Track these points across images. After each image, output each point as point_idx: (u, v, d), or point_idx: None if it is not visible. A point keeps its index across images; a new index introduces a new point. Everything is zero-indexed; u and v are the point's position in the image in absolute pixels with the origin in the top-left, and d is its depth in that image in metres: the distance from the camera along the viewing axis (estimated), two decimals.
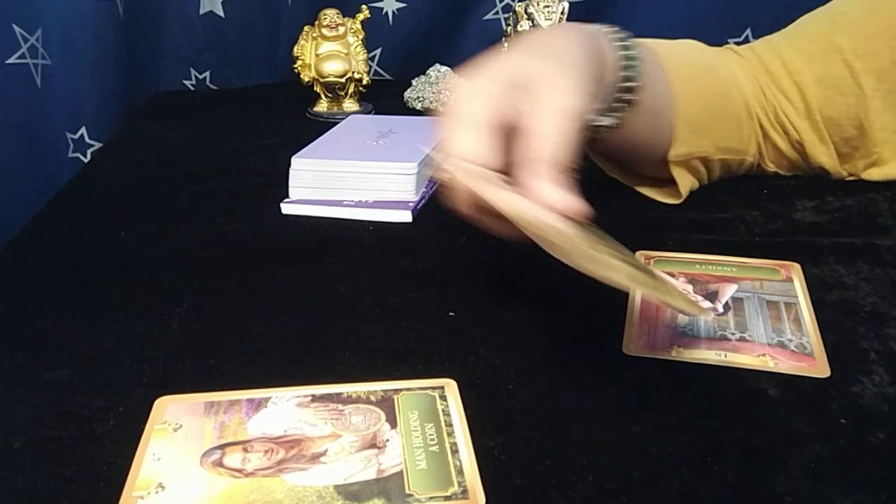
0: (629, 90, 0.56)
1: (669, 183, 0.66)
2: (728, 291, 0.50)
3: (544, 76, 0.44)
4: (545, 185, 0.41)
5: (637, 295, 0.50)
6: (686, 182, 0.65)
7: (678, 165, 0.64)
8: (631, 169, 0.68)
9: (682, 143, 0.63)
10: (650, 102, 0.59)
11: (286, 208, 0.66)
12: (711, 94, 0.65)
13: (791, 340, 0.45)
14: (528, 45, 0.49)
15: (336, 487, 0.35)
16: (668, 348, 0.45)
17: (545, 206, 0.40)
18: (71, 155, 0.99)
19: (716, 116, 0.65)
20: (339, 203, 0.65)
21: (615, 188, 0.70)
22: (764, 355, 0.44)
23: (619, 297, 0.51)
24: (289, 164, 0.67)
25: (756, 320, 0.47)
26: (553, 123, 0.42)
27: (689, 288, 0.51)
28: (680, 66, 0.63)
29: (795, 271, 0.52)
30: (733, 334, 0.46)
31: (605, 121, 0.56)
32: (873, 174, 0.67)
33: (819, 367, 0.43)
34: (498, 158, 0.43)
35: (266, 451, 0.37)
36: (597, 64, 0.50)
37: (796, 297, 0.50)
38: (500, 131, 0.43)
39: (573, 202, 0.40)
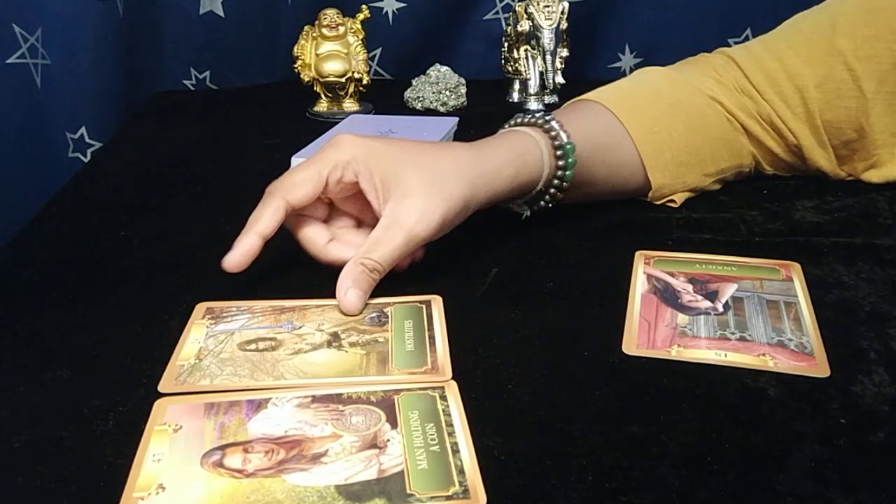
0: (563, 186, 0.58)
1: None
2: (728, 291, 0.50)
3: (412, 192, 0.50)
4: (350, 288, 0.49)
5: (637, 295, 0.50)
6: (680, 198, 0.66)
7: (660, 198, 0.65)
8: None
9: (662, 188, 0.64)
10: (600, 175, 0.62)
11: None
12: (683, 132, 0.64)
13: (791, 340, 0.45)
14: (416, 149, 0.53)
15: (337, 488, 0.35)
16: (668, 347, 0.45)
17: (339, 300, 0.49)
18: (71, 155, 0.99)
19: (694, 151, 0.65)
20: None
21: None
22: (764, 355, 0.44)
23: (619, 298, 0.51)
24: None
25: (756, 320, 0.47)
26: (394, 241, 0.49)
27: (689, 287, 0.51)
28: (640, 116, 0.64)
29: (795, 271, 0.52)
30: (733, 334, 0.46)
31: (527, 210, 0.60)
32: (872, 176, 0.67)
33: (819, 367, 0.43)
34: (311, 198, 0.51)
35: (267, 452, 0.37)
36: (504, 175, 0.54)
37: (796, 296, 0.50)
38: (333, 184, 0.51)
39: (356, 308, 0.49)
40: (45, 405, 0.42)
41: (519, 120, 0.60)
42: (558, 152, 0.57)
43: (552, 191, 0.58)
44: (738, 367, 0.43)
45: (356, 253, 0.50)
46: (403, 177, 0.50)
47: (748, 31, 1.11)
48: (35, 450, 0.38)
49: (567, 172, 0.57)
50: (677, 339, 0.46)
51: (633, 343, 0.46)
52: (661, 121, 0.64)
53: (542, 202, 0.59)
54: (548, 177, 0.57)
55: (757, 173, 0.70)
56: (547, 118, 0.58)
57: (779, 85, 0.66)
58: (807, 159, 0.67)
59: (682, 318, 0.48)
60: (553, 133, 0.57)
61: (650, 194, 0.64)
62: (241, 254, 0.50)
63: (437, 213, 0.49)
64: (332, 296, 0.50)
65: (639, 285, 0.52)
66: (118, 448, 0.38)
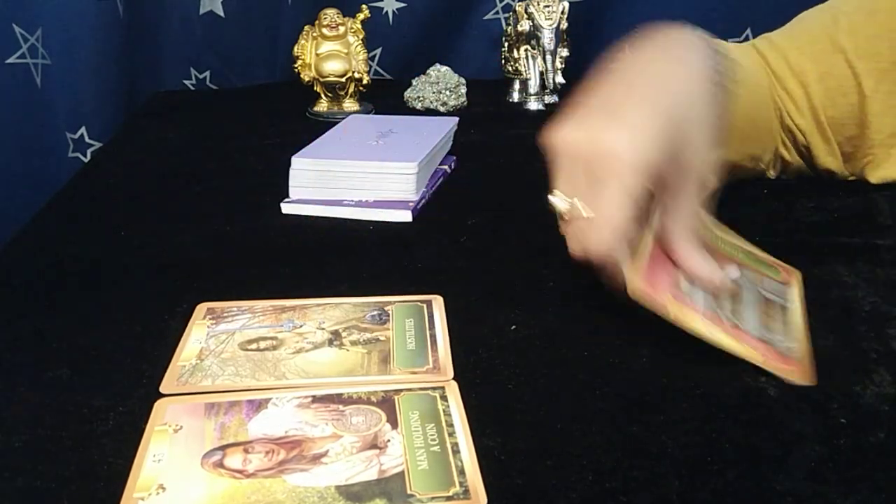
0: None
1: None
2: (729, 273, 0.49)
3: (691, 153, 0.44)
4: (694, 256, 0.44)
5: (649, 236, 0.46)
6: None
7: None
8: None
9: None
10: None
11: (286, 208, 0.66)
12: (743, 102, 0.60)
13: (781, 341, 0.45)
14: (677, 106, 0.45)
15: (337, 488, 0.35)
16: (666, 294, 0.43)
17: (691, 273, 0.44)
18: (71, 155, 0.99)
19: (743, 125, 0.63)
20: (339, 203, 0.65)
21: None
22: (754, 348, 0.44)
23: (618, 299, 0.51)
24: (289, 164, 0.67)
25: (750, 311, 0.47)
26: (694, 207, 0.45)
27: None
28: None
29: (796, 277, 0.52)
30: (727, 318, 0.45)
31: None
32: (869, 176, 0.67)
33: (803, 374, 0.43)
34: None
35: (267, 452, 0.37)
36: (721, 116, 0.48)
37: (793, 302, 0.49)
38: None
39: (715, 273, 0.44)
40: (45, 405, 0.42)
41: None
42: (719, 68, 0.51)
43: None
44: (727, 355, 0.43)
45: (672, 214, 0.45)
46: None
47: (748, 31, 1.11)
48: (35, 450, 0.38)
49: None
50: (676, 292, 0.44)
51: (639, 278, 0.42)
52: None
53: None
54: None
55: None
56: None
57: (784, 81, 0.66)
58: (814, 157, 0.67)
59: (683, 284, 0.46)
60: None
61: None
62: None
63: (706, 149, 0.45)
64: (331, 294, 0.50)
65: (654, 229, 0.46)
66: (118, 448, 0.38)
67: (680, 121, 0.43)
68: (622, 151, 0.41)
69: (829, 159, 0.67)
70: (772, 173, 0.70)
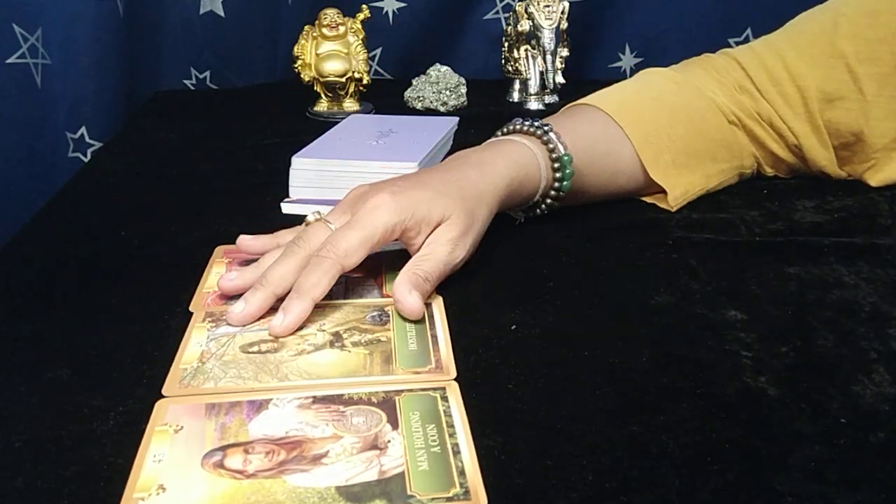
0: (559, 196, 0.60)
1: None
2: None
3: (450, 214, 0.52)
4: (413, 291, 0.49)
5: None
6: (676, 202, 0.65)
7: (679, 200, 0.65)
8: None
9: (675, 187, 0.64)
10: (599, 182, 0.63)
11: (286, 208, 0.66)
12: (682, 135, 0.65)
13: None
14: (447, 176, 0.55)
15: (337, 489, 0.35)
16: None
17: (401, 303, 0.49)
18: (71, 155, 0.99)
19: (696, 151, 0.65)
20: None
21: None
22: None
23: (618, 298, 0.51)
24: (289, 164, 0.67)
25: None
26: (440, 251, 0.51)
27: None
28: (640, 123, 0.64)
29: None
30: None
31: (523, 216, 0.63)
32: (871, 178, 0.67)
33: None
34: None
35: (267, 453, 0.37)
36: (511, 192, 0.57)
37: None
38: (379, 246, 0.51)
39: (419, 311, 0.49)
40: (45, 405, 0.42)
41: (515, 127, 0.60)
42: (555, 164, 0.59)
43: (548, 201, 0.61)
44: (726, 355, 0.43)
45: (406, 265, 0.51)
46: (442, 221, 0.52)
47: (748, 32, 1.11)
48: (35, 450, 0.38)
49: (564, 183, 0.59)
50: None
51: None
52: (661, 124, 0.65)
53: (538, 210, 0.62)
54: (545, 188, 0.60)
55: (758, 174, 0.70)
56: (545, 128, 0.59)
57: (780, 84, 0.66)
58: (808, 159, 0.67)
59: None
60: (551, 145, 0.59)
61: (670, 198, 0.64)
62: (295, 322, 0.47)
63: (471, 238, 0.53)
64: (330, 296, 0.50)
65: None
66: (118, 448, 0.38)
67: (446, 210, 0.52)
68: (384, 208, 0.50)
69: (823, 161, 0.67)
70: (768, 171, 0.70)
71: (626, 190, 0.66)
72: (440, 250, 0.51)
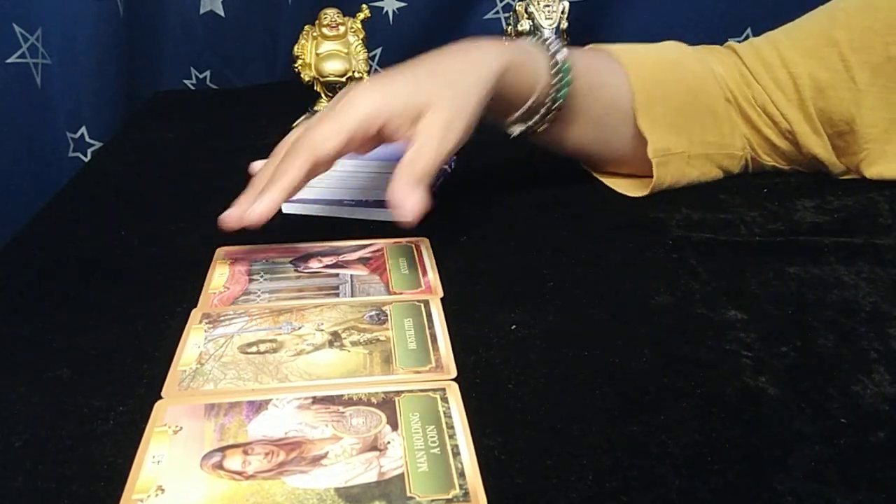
0: (554, 106, 0.60)
1: (638, 176, 0.67)
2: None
3: (434, 101, 0.51)
4: (403, 192, 0.49)
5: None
6: (663, 178, 0.66)
7: (658, 164, 0.65)
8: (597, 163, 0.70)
9: (658, 140, 0.65)
10: (592, 112, 0.63)
11: (286, 208, 0.66)
12: (679, 92, 0.66)
13: None
14: (431, 66, 0.55)
15: (337, 490, 0.35)
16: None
17: (393, 202, 0.49)
18: (71, 155, 0.99)
19: (687, 113, 0.66)
20: (339, 202, 0.65)
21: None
22: None
23: (618, 298, 0.51)
24: None
25: None
26: (430, 141, 0.50)
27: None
28: (643, 69, 0.65)
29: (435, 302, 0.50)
30: None
31: (517, 130, 0.62)
32: (865, 171, 0.67)
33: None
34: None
35: (266, 454, 0.37)
36: (505, 85, 0.56)
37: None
38: (359, 138, 0.51)
39: (417, 209, 0.49)
40: (45, 405, 0.42)
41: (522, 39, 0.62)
42: (554, 69, 0.59)
43: (543, 110, 0.60)
44: (727, 355, 0.43)
45: (398, 166, 0.50)
46: (426, 109, 0.51)
47: (748, 31, 1.11)
48: (35, 450, 0.38)
49: (562, 91, 0.59)
50: None
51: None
52: (661, 78, 0.66)
53: (532, 121, 0.61)
54: (541, 93, 0.59)
55: (757, 167, 0.70)
56: (551, 40, 0.60)
57: (773, 71, 0.67)
58: (801, 146, 0.67)
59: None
60: (553, 49, 0.59)
61: (649, 148, 0.64)
62: (266, 209, 0.49)
63: (460, 123, 0.52)
64: (336, 295, 0.50)
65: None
66: (118, 448, 0.38)
67: (434, 97, 0.51)
68: (360, 97, 0.51)
69: (817, 149, 0.67)
70: (765, 158, 0.70)
71: (615, 136, 0.66)
72: (429, 142, 0.50)
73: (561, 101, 0.60)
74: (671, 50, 0.70)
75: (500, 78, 0.55)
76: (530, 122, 0.61)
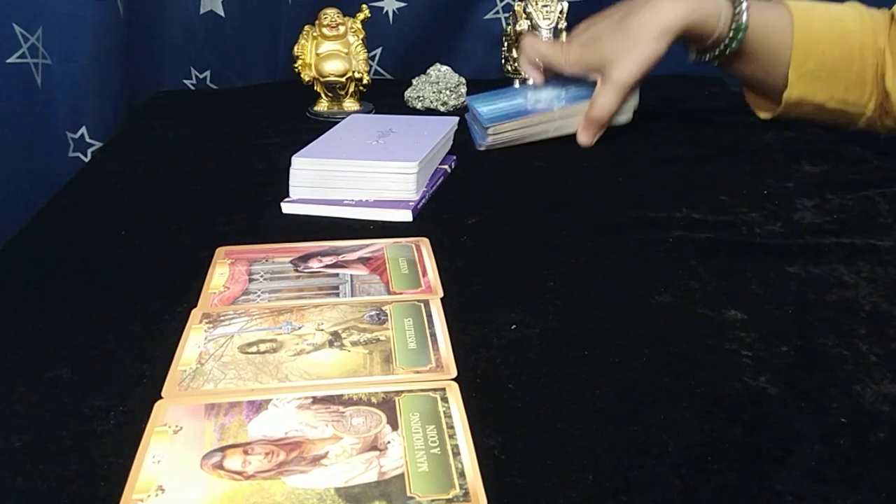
0: (727, 52, 0.77)
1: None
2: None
3: (612, 61, 0.76)
4: (605, 95, 0.77)
5: None
6: (787, 113, 0.81)
7: (787, 106, 0.79)
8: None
9: (794, 88, 0.77)
10: (760, 59, 0.78)
11: (286, 208, 0.66)
12: (834, 51, 0.76)
13: None
14: (622, 19, 0.77)
15: (337, 490, 0.35)
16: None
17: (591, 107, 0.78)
18: (71, 155, 0.99)
19: (835, 71, 0.76)
20: (339, 202, 0.65)
21: (615, 189, 0.70)
22: None
23: (618, 299, 0.51)
24: (289, 164, 0.67)
25: None
26: (605, 94, 0.76)
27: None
28: (808, 23, 0.77)
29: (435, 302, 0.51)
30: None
31: (693, 58, 0.82)
32: None
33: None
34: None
35: (266, 454, 0.37)
36: (686, 34, 0.76)
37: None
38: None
39: (605, 114, 0.78)
40: (45, 405, 0.42)
41: None
42: (733, 26, 0.75)
43: (715, 52, 0.78)
44: (727, 355, 0.43)
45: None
46: (606, 59, 0.76)
47: None
48: (35, 450, 0.38)
49: (733, 45, 0.76)
50: None
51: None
52: (824, 39, 0.76)
53: (707, 57, 0.79)
54: (715, 40, 0.77)
55: (869, 129, 0.79)
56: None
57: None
58: None
59: None
60: (737, 10, 0.75)
61: (785, 93, 0.78)
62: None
63: (634, 67, 0.75)
64: (336, 294, 0.50)
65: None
66: (118, 448, 0.38)
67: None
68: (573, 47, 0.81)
69: None
70: (889, 123, 0.78)
71: (768, 81, 0.80)
72: (609, 85, 0.76)
73: (731, 50, 0.76)
74: (846, 10, 0.78)
75: (680, 32, 0.74)
76: (705, 58, 0.79)
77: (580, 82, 0.83)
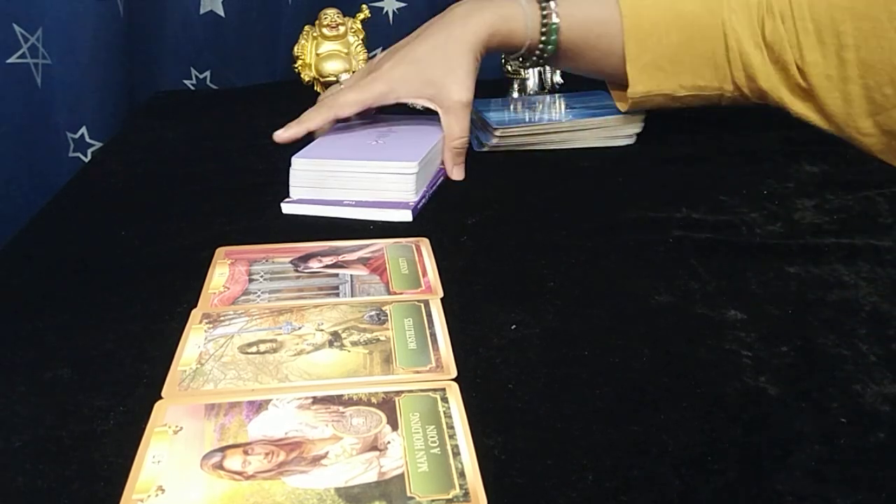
0: (544, 55, 0.73)
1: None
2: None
3: (442, 85, 0.71)
4: (455, 165, 0.72)
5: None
6: (637, 107, 0.76)
7: (635, 104, 0.75)
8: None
9: (637, 83, 0.73)
10: (587, 56, 0.74)
11: (286, 208, 0.66)
12: (671, 37, 0.71)
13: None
14: (429, 46, 0.72)
15: (337, 490, 0.35)
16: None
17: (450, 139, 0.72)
18: (71, 155, 0.99)
19: (677, 58, 0.71)
20: (339, 203, 0.65)
21: (615, 189, 0.70)
22: None
23: (618, 299, 0.51)
24: (289, 164, 0.67)
25: None
26: (461, 119, 0.72)
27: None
28: (637, 11, 0.72)
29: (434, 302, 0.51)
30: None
31: (514, 66, 0.85)
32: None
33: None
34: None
35: (266, 454, 0.37)
36: (493, 45, 0.72)
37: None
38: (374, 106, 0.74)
39: (466, 139, 0.73)
40: (45, 405, 0.42)
41: None
42: (543, 29, 0.71)
43: (534, 58, 0.74)
44: (726, 355, 0.43)
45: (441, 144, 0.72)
46: (436, 81, 0.71)
47: None
48: (35, 450, 0.38)
49: (549, 47, 0.72)
50: None
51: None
52: (658, 25, 0.72)
53: (529, 62, 0.76)
54: (529, 47, 0.73)
55: (733, 104, 0.76)
56: None
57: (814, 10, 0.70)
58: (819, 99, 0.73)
59: None
60: (545, 12, 0.71)
61: (628, 90, 0.74)
62: (291, 136, 0.72)
63: (468, 83, 0.71)
64: (337, 295, 0.50)
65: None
66: (118, 448, 0.38)
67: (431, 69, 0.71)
68: (381, 81, 0.73)
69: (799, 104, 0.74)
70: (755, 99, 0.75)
71: (611, 73, 0.76)
72: (458, 110, 0.71)
73: (548, 55, 0.73)
74: None
75: (486, 42, 0.71)
76: (526, 63, 0.76)
77: (590, 96, 0.83)
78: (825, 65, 0.70)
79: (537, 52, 0.73)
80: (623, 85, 0.75)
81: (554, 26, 0.70)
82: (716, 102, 0.76)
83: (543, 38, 0.71)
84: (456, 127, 0.71)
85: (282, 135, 0.71)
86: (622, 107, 0.78)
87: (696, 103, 0.76)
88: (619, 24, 0.71)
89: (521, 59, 0.76)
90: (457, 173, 0.71)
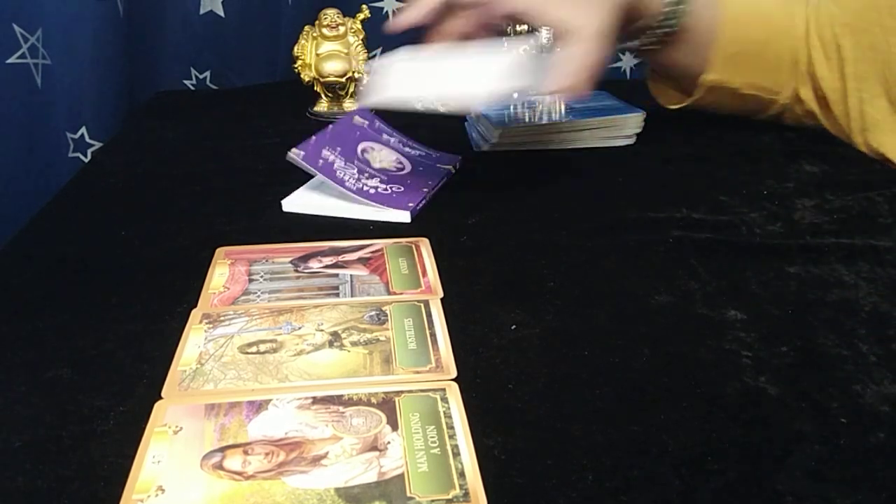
0: (666, 33, 0.73)
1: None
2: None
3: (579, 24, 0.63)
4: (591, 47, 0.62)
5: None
6: (701, 101, 0.78)
7: (704, 90, 0.76)
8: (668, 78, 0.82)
9: (715, 71, 0.75)
10: (693, 40, 0.74)
11: (287, 207, 0.66)
12: (758, 34, 0.74)
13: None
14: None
15: (337, 490, 0.35)
16: None
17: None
18: (71, 155, 0.99)
19: (756, 55, 0.74)
20: (340, 188, 0.65)
21: (615, 189, 0.70)
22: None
23: (618, 299, 0.51)
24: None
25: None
26: (578, 60, 0.62)
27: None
28: (736, 9, 0.74)
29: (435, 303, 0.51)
30: None
31: (633, 44, 0.76)
32: (871, 139, 0.71)
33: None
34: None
35: (266, 454, 0.37)
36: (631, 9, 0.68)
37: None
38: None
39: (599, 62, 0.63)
40: (45, 405, 0.42)
41: None
42: (669, 6, 0.72)
43: (657, 29, 0.73)
44: (726, 354, 0.43)
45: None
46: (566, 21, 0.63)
47: None
48: (35, 450, 0.38)
49: (673, 21, 0.72)
50: None
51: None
52: (751, 18, 0.75)
53: (642, 41, 0.74)
54: (657, 21, 0.72)
55: (776, 120, 0.79)
56: None
57: (821, 29, 0.73)
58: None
59: None
60: None
61: (703, 76, 0.76)
62: (405, 22, 0.65)
63: (610, 21, 0.63)
64: (335, 295, 0.50)
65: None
66: (118, 448, 0.38)
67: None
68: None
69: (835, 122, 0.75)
70: (797, 110, 0.77)
71: (694, 62, 0.76)
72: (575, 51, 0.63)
73: (672, 28, 0.72)
74: None
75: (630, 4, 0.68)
76: (639, 40, 0.74)
77: (590, 96, 0.83)
78: (831, 78, 0.73)
79: (662, 24, 0.72)
80: (682, 79, 0.78)
81: (682, 7, 0.71)
82: (764, 111, 0.79)
83: (669, 11, 0.71)
84: (587, 52, 0.62)
85: (397, 22, 0.66)
86: (672, 106, 0.81)
87: (749, 107, 0.79)
88: (718, 11, 0.73)
89: (629, 38, 0.75)
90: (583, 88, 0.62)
